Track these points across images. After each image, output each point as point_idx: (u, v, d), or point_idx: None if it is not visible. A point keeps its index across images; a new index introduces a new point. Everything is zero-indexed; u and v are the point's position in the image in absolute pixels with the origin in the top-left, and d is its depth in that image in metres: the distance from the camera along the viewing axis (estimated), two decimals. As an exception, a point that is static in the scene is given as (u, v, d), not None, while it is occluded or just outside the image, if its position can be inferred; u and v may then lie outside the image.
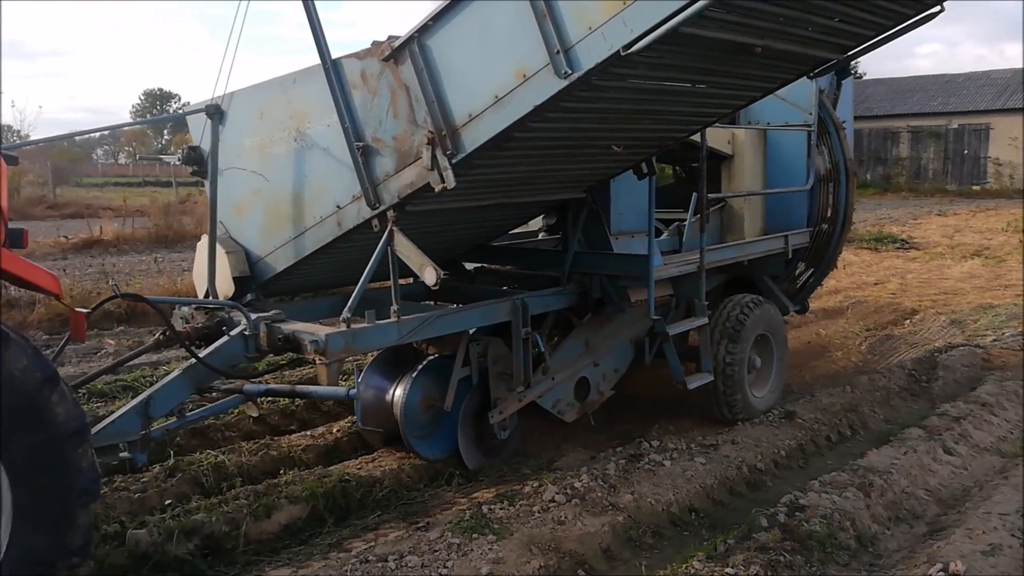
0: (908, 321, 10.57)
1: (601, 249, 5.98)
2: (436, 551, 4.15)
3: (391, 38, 4.27)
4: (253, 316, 4.59)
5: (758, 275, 7.39)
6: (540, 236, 7.15)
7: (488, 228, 6.12)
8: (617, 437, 6.10)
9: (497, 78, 3.94)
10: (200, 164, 5.20)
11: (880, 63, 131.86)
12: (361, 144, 4.44)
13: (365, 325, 4.60)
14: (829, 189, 7.57)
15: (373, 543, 4.30)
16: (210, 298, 5.05)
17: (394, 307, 4.59)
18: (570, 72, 3.67)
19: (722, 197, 7.19)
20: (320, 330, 4.45)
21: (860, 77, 43.44)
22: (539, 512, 4.60)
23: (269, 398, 6.16)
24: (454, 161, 4.14)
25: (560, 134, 4.56)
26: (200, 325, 4.89)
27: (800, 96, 7.18)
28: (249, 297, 5.20)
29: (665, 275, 6.06)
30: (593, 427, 6.17)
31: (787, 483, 5.38)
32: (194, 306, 4.95)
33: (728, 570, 4.01)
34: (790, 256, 7.29)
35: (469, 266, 6.73)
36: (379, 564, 4.02)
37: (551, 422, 6.04)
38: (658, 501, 4.82)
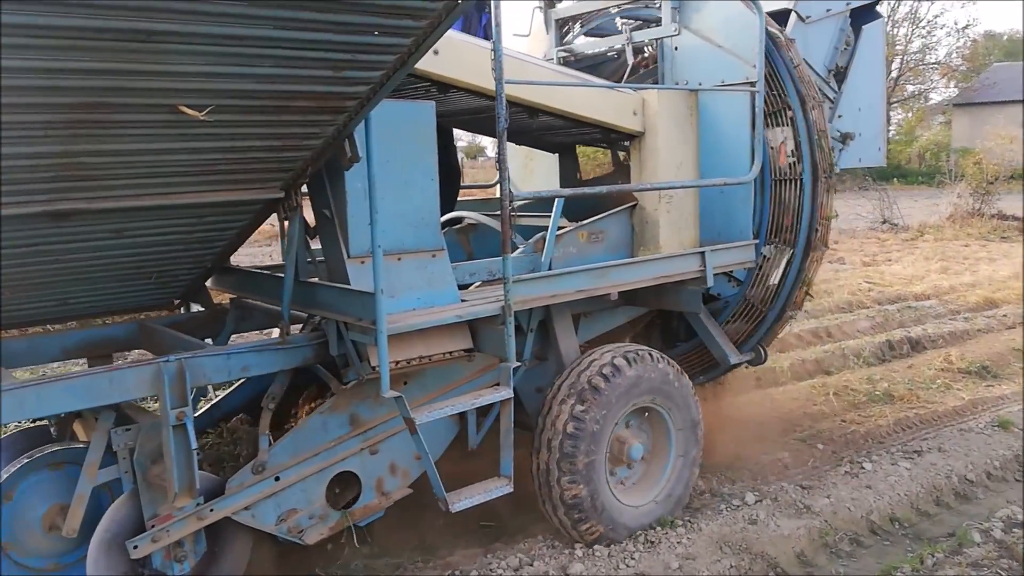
0: None
1: (337, 280, 3.70)
2: (623, 542, 4.16)
3: None
4: None
5: (687, 312, 4.98)
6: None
7: (141, 254, 3.51)
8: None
9: None
10: None
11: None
12: None
13: None
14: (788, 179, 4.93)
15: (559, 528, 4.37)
16: None
17: None
18: None
19: (563, 195, 4.31)
20: None
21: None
22: (728, 511, 4.52)
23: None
24: None
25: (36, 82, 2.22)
26: None
27: (746, 44, 4.76)
28: None
29: (432, 322, 3.61)
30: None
31: (1001, 497, 4.96)
32: None
33: (937, 585, 3.79)
34: (709, 286, 4.69)
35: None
36: (566, 551, 4.09)
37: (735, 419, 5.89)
38: (857, 507, 4.58)
